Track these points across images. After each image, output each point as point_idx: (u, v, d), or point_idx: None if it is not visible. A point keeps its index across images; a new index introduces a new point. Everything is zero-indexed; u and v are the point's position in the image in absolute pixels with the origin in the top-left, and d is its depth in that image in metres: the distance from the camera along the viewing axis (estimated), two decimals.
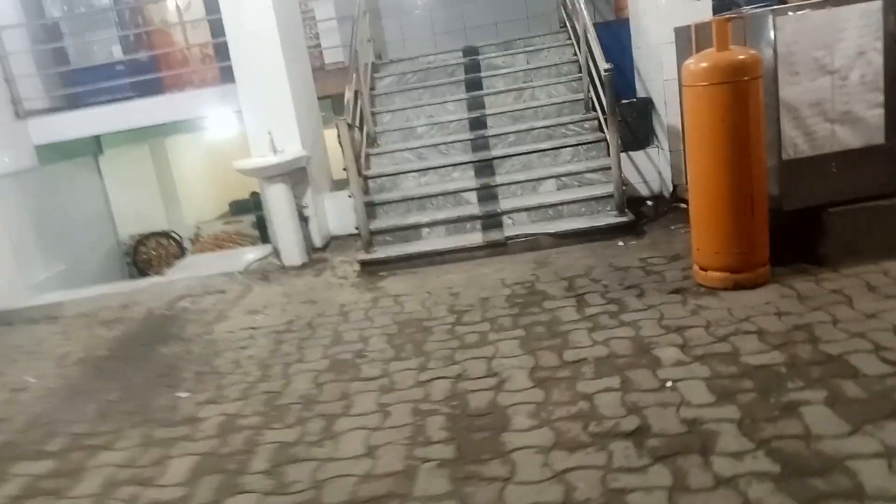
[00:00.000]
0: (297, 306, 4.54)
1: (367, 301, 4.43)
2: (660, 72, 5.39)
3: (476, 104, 6.26)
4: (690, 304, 3.61)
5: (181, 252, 8.99)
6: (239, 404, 3.27)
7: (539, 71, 6.41)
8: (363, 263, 5.03)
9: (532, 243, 4.96)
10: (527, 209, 5.19)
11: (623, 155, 5.37)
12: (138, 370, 3.91)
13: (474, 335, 3.63)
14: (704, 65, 3.53)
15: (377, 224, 5.32)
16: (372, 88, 6.65)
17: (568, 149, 5.60)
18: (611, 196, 5.09)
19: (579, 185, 5.38)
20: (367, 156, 5.92)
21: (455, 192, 5.45)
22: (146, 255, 8.85)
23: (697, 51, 3.73)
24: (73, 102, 6.97)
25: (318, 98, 6.85)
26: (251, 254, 5.77)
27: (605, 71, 4.82)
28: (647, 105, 5.76)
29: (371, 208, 5.49)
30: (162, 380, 3.72)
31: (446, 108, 6.28)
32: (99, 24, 7.77)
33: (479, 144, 5.85)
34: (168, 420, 3.23)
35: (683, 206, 5.35)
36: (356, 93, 5.81)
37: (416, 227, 5.25)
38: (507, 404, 2.89)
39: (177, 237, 9.05)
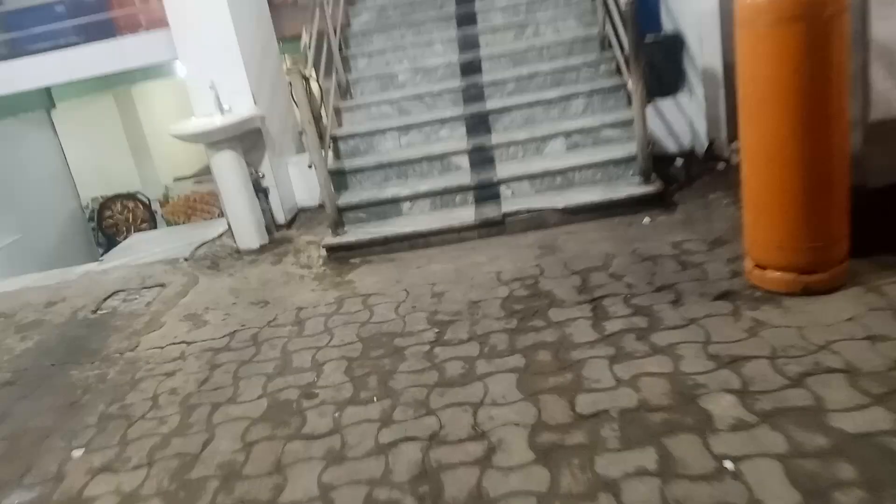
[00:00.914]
0: (244, 309, 3.67)
1: (330, 303, 3.55)
2: (694, 1, 4.32)
3: (469, 43, 5.22)
4: (745, 317, 2.71)
5: (150, 215, 8.13)
6: (140, 475, 2.44)
7: (544, 1, 5.33)
8: (330, 249, 4.14)
9: (536, 220, 4.03)
10: (529, 176, 4.24)
11: (647, 105, 4.36)
12: (37, 406, 3.08)
13: (458, 363, 2.76)
14: None
15: (348, 198, 4.39)
16: (347, 26, 5.61)
17: (579, 98, 4.59)
18: (633, 158, 4.12)
19: (594, 145, 4.41)
20: (339, 111, 4.94)
21: (442, 156, 4.49)
22: (112, 219, 8.00)
23: None
24: (10, 51, 5.99)
25: (287, 39, 5.82)
26: (205, 231, 4.88)
27: (627, 2, 3.77)
28: (677, 43, 4.71)
29: (341, 177, 4.55)
30: (61, 422, 2.90)
31: (433, 49, 5.25)
32: None
33: (472, 94, 4.85)
34: (44, 501, 2.42)
35: (722, 165, 4.39)
36: (321, 34, 4.80)
37: (396, 200, 4.32)
38: (497, 495, 2.03)
39: (144, 199, 8.17)
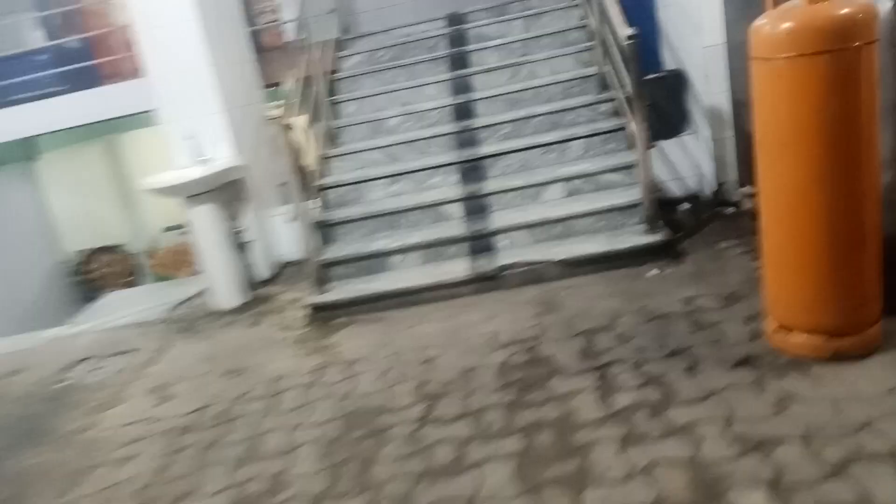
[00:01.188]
0: (216, 380, 3.36)
1: (310, 371, 3.24)
2: (697, 35, 4.09)
3: (462, 86, 4.99)
4: (770, 388, 2.39)
5: (136, 268, 7.86)
6: None
7: (540, 41, 5.12)
8: (314, 308, 3.84)
9: (534, 274, 3.73)
10: (527, 226, 3.96)
11: (651, 147, 4.09)
12: None
13: (448, 448, 2.44)
14: (788, 25, 2.27)
15: (335, 251, 4.11)
16: (335, 71, 5.40)
17: (578, 141, 4.33)
18: (637, 205, 3.84)
19: (595, 190, 4.13)
20: (325, 158, 4.69)
21: (434, 205, 4.22)
22: (96, 273, 7.72)
23: (773, 4, 2.45)
24: None
25: (275, 85, 5.61)
26: (185, 289, 4.59)
27: (628, 38, 3.54)
28: (680, 80, 4.47)
29: (328, 229, 4.27)
30: None
31: (425, 93, 5.02)
32: (15, 4, 6.59)
33: (466, 139, 4.60)
34: None
35: (731, 210, 4.11)
36: (308, 79, 4.59)
37: (385, 254, 4.03)
38: None
39: (131, 251, 7.91)
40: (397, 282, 3.85)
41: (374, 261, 4.03)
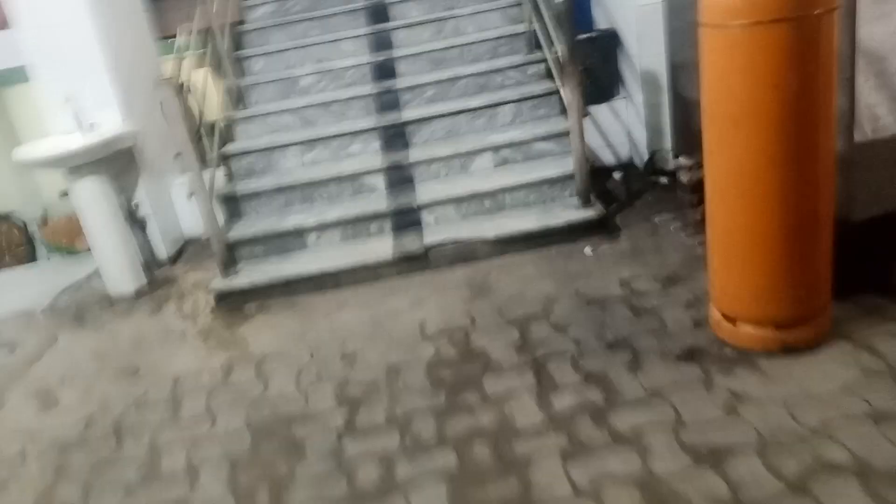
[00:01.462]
0: (108, 382, 2.97)
1: (215, 371, 2.90)
2: None
3: (382, 42, 4.60)
4: (719, 387, 2.24)
5: (26, 240, 7.14)
6: None
7: None
8: (220, 295, 3.46)
9: (463, 253, 3.47)
10: (455, 200, 3.68)
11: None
12: None
13: (373, 464, 2.18)
14: None
15: (242, 229, 3.72)
16: (241, 22, 4.89)
17: (508, 106, 4.06)
18: (570, 178, 3.61)
19: (525, 160, 3.88)
20: (231, 123, 4.24)
21: (354, 176, 3.87)
22: None
23: None
24: None
25: (171, 37, 5.04)
26: (74, 269, 4.10)
27: None
28: (612, 41, 4.23)
29: (234, 204, 3.87)
30: None
31: (341, 49, 4.61)
32: None
33: (387, 102, 4.24)
34: None
35: (665, 180, 3.94)
36: (208, 31, 4.11)
37: (300, 231, 3.67)
38: None
39: (18, 222, 7.16)
40: (313, 263, 3.51)
41: (287, 239, 3.67)
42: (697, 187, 3.31)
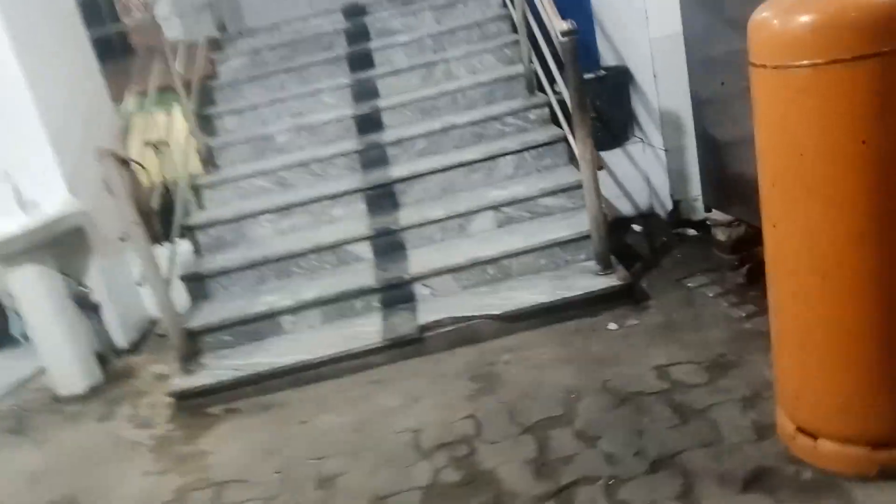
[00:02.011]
0: None
1: (166, 501, 2.36)
2: (643, 25, 3.38)
3: (366, 92, 4.16)
4: None
5: None
6: None
7: (455, 35, 4.33)
8: (180, 396, 2.94)
9: (465, 333, 2.95)
10: (453, 269, 3.17)
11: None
12: None
13: None
14: (811, 19, 1.55)
15: (208, 314, 3.21)
16: (210, 77, 4.46)
17: (509, 156, 3.58)
18: (586, 238, 3.11)
19: (532, 219, 3.39)
20: (198, 189, 3.77)
21: (336, 245, 3.38)
22: None
23: None
24: None
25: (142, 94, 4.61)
26: (19, 364, 3.58)
27: (565, 34, 2.78)
28: (622, 79, 3.77)
29: (200, 284, 3.37)
30: None
31: (322, 101, 4.16)
32: None
33: (373, 158, 3.77)
34: None
35: (692, 232, 3.44)
36: (172, 88, 3.67)
37: (273, 314, 3.16)
38: None
39: None
40: (290, 352, 2.99)
41: (259, 324, 3.16)
42: (738, 246, 2.82)
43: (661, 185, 3.66)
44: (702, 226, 3.46)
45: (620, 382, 2.45)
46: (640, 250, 3.49)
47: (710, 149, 3.08)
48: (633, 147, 3.79)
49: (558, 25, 2.80)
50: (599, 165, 2.98)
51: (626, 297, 2.96)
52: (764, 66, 1.66)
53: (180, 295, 3.30)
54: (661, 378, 2.43)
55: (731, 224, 2.85)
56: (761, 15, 1.68)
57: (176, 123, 3.88)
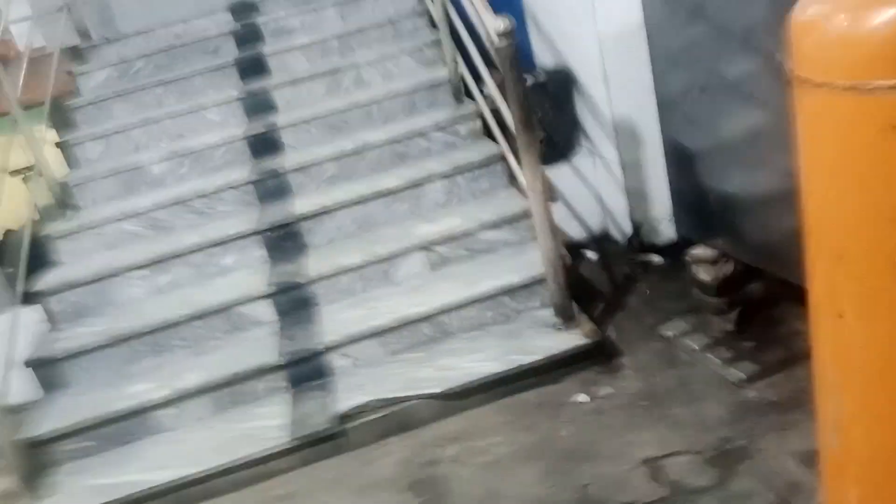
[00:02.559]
0: None
1: None
2: (589, 18, 2.81)
3: (261, 106, 3.46)
4: None
5: None
6: None
7: (365, 34, 3.68)
8: None
9: (398, 418, 2.32)
10: (377, 332, 2.53)
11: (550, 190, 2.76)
12: None
13: None
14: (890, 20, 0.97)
15: (62, 413, 2.46)
16: (69, 95, 3.64)
17: (438, 182, 2.96)
18: (540, 282, 2.52)
19: (471, 258, 2.78)
20: (48, 241, 2.98)
21: (227, 308, 2.67)
22: None
23: None
24: None
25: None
26: None
27: (502, 34, 2.17)
28: (565, 84, 3.20)
29: (51, 370, 2.60)
30: None
31: (206, 119, 3.44)
32: None
33: (271, 189, 3.08)
34: None
35: (657, 259, 2.92)
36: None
37: (147, 409, 2.44)
38: None
39: None
40: (171, 462, 2.29)
41: (131, 421, 2.43)
42: (726, 287, 2.27)
43: (617, 205, 3.12)
44: (669, 251, 2.95)
45: (603, 488, 1.88)
46: (598, 285, 2.94)
47: (685, 167, 2.54)
48: (582, 161, 3.24)
49: (492, 24, 2.18)
50: (552, 197, 2.40)
51: (593, 357, 2.39)
52: (826, 86, 1.09)
53: (26, 385, 2.54)
54: (655, 478, 1.87)
55: (716, 262, 2.32)
56: (811, 11, 1.11)
57: (17, 154, 3.08)
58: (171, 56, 3.73)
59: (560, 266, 2.42)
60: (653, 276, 2.90)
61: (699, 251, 2.37)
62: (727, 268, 2.32)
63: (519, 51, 2.23)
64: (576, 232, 3.29)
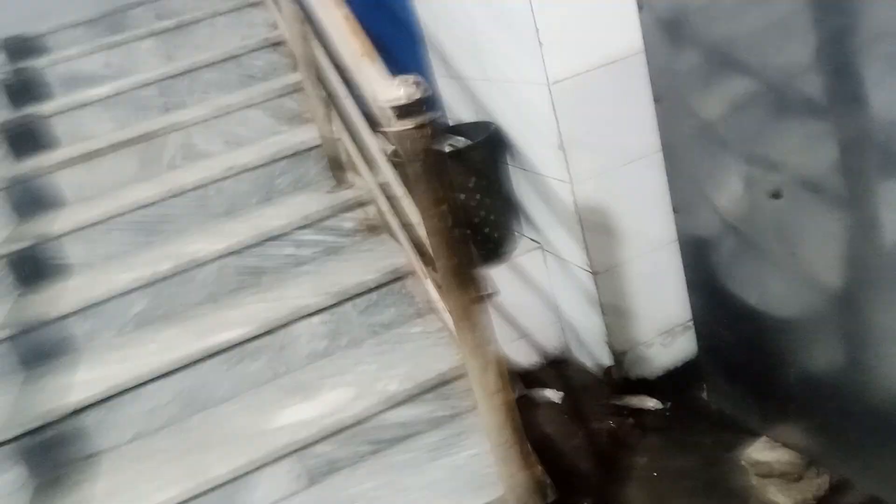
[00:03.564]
0: None
1: None
2: (532, 52, 1.78)
3: (35, 198, 2.24)
4: None
5: None
6: None
7: (199, 77, 2.54)
8: None
9: None
10: None
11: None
12: None
13: None
14: None
15: None
16: None
17: (315, 318, 1.85)
18: None
19: (373, 454, 1.68)
20: None
21: None
22: None
23: None
24: None
25: None
26: None
27: (402, 107, 1.08)
28: (495, 148, 2.16)
29: None
30: None
31: None
32: None
33: (36, 347, 1.87)
34: None
35: (652, 405, 1.93)
36: None
37: None
38: None
39: None
40: None
41: None
42: None
43: (586, 322, 2.12)
44: (664, 385, 1.97)
45: None
46: (571, 457, 1.92)
47: (726, 302, 1.53)
48: (528, 258, 2.21)
49: (381, 90, 1.10)
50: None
51: None
52: None
53: None
54: None
55: (800, 475, 1.33)
56: None
57: None
58: None
59: (527, 486, 1.37)
60: (652, 438, 1.91)
61: (764, 453, 1.38)
62: (819, 483, 1.34)
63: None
64: (522, 354, 2.28)
